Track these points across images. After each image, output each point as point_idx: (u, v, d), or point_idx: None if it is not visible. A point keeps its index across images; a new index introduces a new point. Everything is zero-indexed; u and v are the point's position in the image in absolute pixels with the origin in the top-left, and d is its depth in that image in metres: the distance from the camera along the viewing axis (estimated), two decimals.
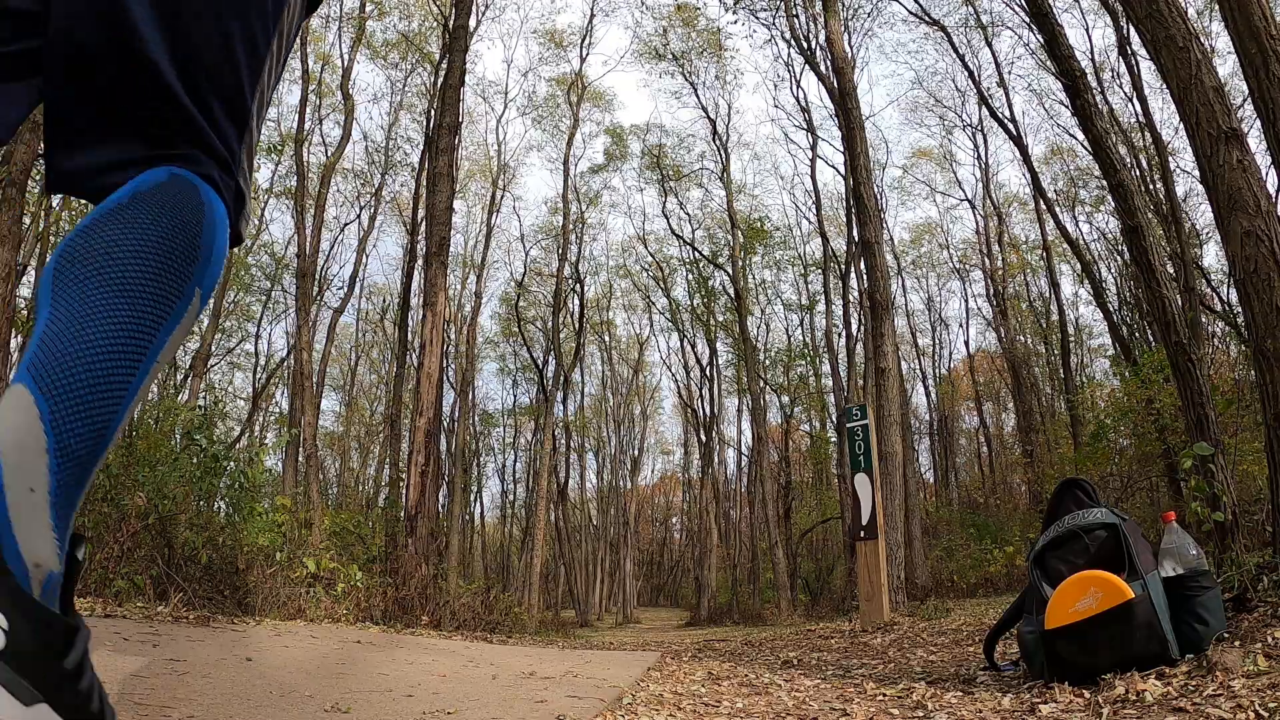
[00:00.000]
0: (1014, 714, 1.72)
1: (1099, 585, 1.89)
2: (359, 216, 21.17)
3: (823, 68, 15.28)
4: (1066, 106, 14.25)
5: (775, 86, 37.72)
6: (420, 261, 13.47)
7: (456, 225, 20.53)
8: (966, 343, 30.08)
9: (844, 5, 16.44)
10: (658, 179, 23.16)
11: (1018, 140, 14.98)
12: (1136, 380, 9.03)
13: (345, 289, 20.00)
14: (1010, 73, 19.03)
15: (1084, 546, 2.03)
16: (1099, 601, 1.87)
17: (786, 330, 26.95)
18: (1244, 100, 8.79)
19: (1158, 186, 13.02)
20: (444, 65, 10.89)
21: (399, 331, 14.73)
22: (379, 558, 6.38)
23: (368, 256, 31.45)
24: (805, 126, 20.24)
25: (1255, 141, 3.13)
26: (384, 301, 27.36)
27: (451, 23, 10.98)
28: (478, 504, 30.12)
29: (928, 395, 28.43)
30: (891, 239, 24.05)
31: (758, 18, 17.69)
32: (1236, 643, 1.85)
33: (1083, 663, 1.89)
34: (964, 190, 24.98)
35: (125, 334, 0.69)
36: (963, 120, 21.78)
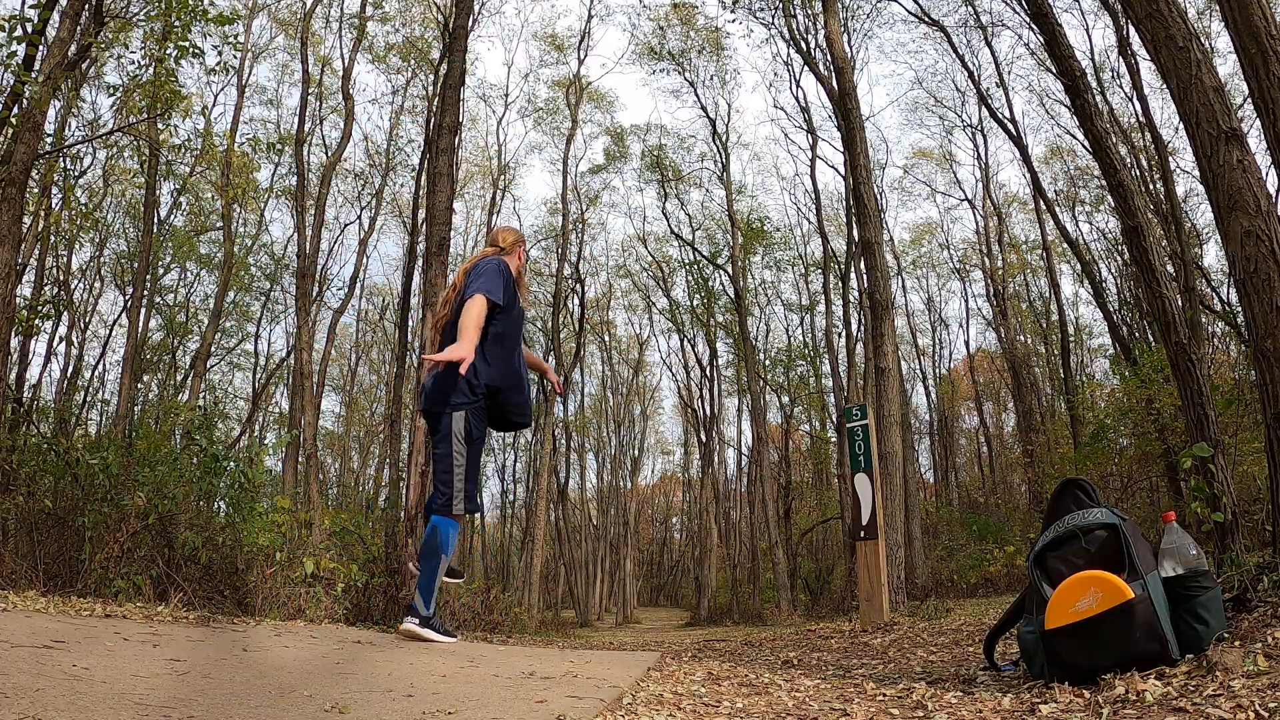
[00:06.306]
0: (1014, 714, 1.72)
1: (1099, 585, 1.88)
2: (359, 217, 21.15)
3: (821, 68, 15.26)
4: (1066, 106, 14.26)
5: (773, 87, 37.74)
6: (420, 262, 13.46)
7: (456, 225, 20.52)
8: (966, 343, 29.96)
9: (843, 5, 16.41)
10: (658, 179, 23.14)
11: (1018, 140, 14.99)
12: (1136, 380, 9.02)
13: (345, 289, 19.98)
14: (1010, 73, 18.95)
15: (1084, 547, 2.03)
16: (1099, 601, 1.87)
17: (786, 330, 26.95)
18: (1244, 100, 8.80)
19: (1158, 186, 13.03)
20: (443, 66, 10.90)
21: (399, 332, 14.72)
22: (379, 558, 6.36)
23: (368, 257, 31.52)
24: (805, 127, 20.22)
25: (1255, 141, 3.13)
26: (384, 301, 27.34)
27: (451, 23, 10.98)
28: None
29: (928, 395, 28.43)
30: (891, 239, 24.02)
31: (756, 17, 17.65)
32: (1236, 643, 1.85)
33: (1083, 663, 1.89)
34: (964, 190, 24.89)
35: None
36: (963, 120, 21.75)
